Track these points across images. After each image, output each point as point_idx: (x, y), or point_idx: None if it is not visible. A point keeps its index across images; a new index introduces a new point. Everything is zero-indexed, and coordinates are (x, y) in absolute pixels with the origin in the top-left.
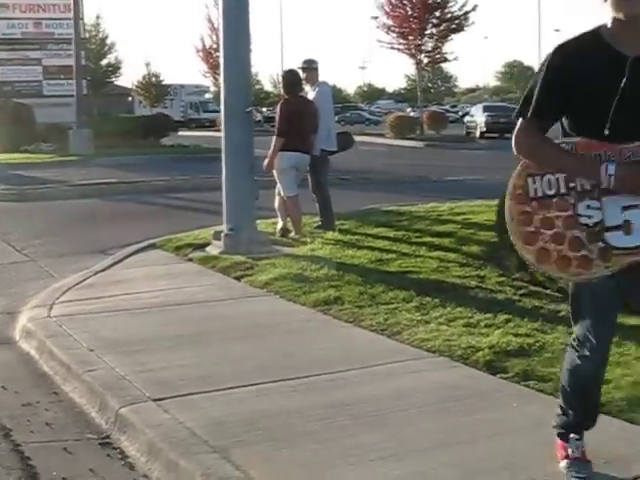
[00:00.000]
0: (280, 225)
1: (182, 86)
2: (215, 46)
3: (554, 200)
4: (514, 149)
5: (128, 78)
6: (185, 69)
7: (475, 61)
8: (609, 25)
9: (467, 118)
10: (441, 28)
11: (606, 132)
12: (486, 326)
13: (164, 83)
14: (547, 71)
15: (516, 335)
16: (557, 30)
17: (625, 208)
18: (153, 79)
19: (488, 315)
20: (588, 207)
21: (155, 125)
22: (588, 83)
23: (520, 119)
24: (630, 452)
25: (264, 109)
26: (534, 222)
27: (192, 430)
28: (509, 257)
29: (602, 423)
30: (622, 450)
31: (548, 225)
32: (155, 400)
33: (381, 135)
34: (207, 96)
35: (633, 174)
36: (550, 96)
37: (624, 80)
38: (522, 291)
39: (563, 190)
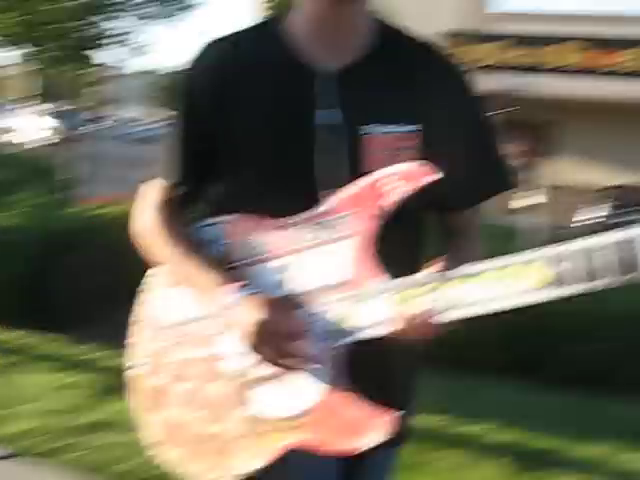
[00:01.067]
0: None
1: None
2: None
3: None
4: (131, 235)
5: None
6: None
7: None
8: (294, 19)
9: None
10: None
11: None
12: None
13: None
14: (184, 94)
15: None
16: None
17: None
18: None
19: None
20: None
21: None
22: (249, 116)
23: (145, 186)
24: None
25: None
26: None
27: None
28: None
29: None
30: None
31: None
32: None
33: None
34: None
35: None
36: (187, 146)
37: (323, 112)
38: None
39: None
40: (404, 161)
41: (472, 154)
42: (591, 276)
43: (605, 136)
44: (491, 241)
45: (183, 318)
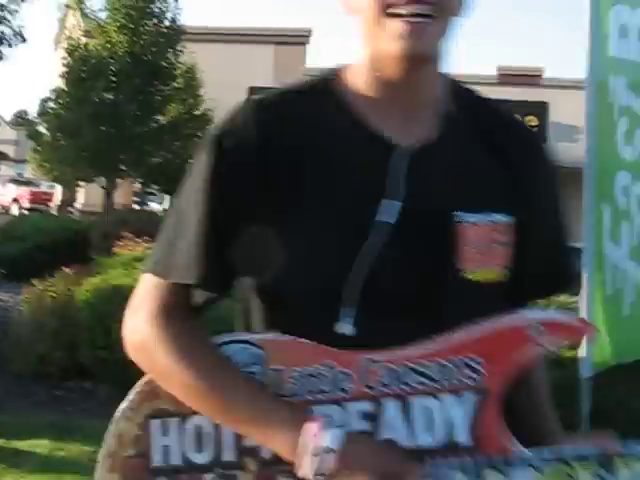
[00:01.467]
0: None
1: None
2: None
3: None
4: (128, 348)
5: None
6: None
7: None
8: (356, 79)
9: None
10: None
11: (340, 326)
12: None
13: None
14: (208, 177)
15: None
16: None
17: None
18: None
19: None
20: None
21: None
22: (311, 205)
23: (146, 281)
24: None
25: None
26: None
27: None
28: None
29: None
30: None
31: None
32: None
33: None
34: None
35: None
36: (214, 234)
37: (396, 203)
38: None
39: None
40: (500, 257)
41: (553, 245)
42: None
43: None
44: None
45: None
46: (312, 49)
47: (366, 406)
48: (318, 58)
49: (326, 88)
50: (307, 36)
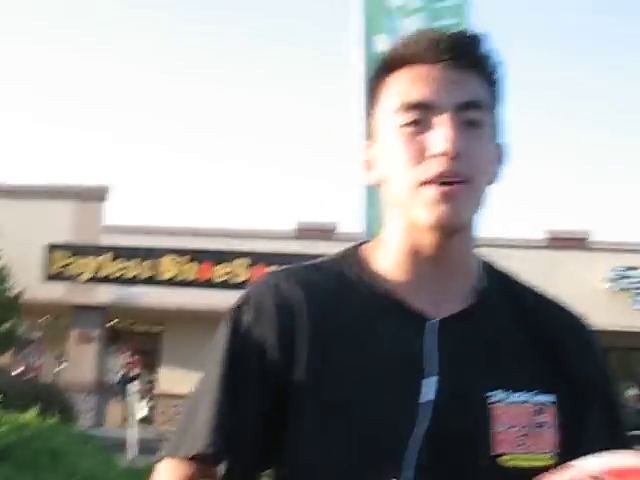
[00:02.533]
0: None
1: None
2: None
3: None
4: None
5: None
6: None
7: None
8: (384, 251)
9: None
10: None
11: None
12: None
13: None
14: (224, 355)
15: None
16: None
17: None
18: None
19: None
20: None
21: None
22: (338, 386)
23: (158, 470)
24: None
25: None
26: None
27: None
28: None
29: None
30: None
31: None
32: None
33: None
34: None
35: None
36: (228, 405)
37: (432, 379)
38: None
39: None
40: (546, 442)
41: (606, 425)
42: None
43: (202, 345)
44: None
45: None
46: (111, 206)
47: None
48: (117, 215)
49: (353, 261)
50: (106, 192)
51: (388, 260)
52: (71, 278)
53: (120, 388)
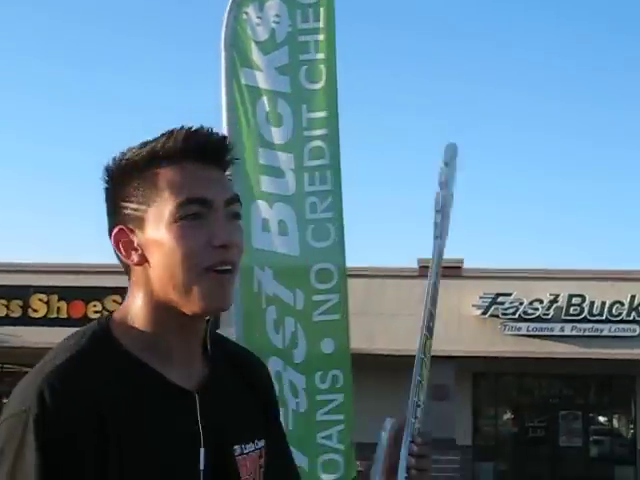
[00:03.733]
0: None
1: None
2: None
3: None
4: None
5: None
6: None
7: None
8: (133, 330)
9: None
10: None
11: None
12: None
13: None
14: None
15: None
16: None
17: None
18: None
19: None
20: None
21: None
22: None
23: None
24: None
25: None
26: None
27: None
28: None
29: None
30: None
31: None
32: None
33: None
34: None
35: None
36: None
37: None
38: None
39: None
40: None
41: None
42: None
43: None
44: None
45: None
46: None
47: None
48: None
49: (106, 343)
50: None
51: (140, 337)
52: None
53: None
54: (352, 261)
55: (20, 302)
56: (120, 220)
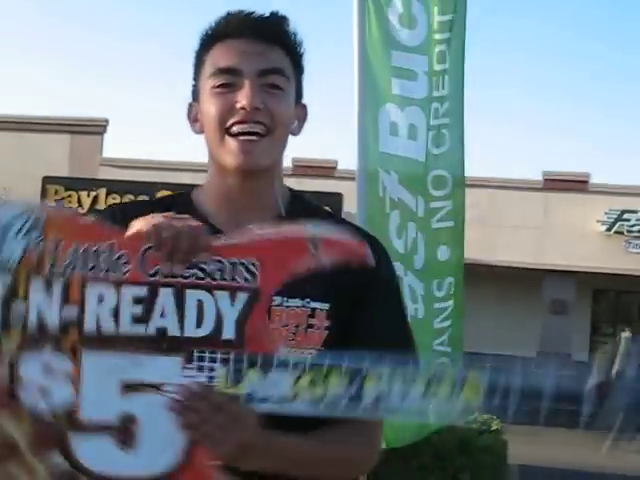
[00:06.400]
0: None
1: None
2: None
3: None
4: None
5: None
6: None
7: None
8: (206, 190)
9: None
10: None
11: None
12: None
13: None
14: None
15: None
16: None
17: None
18: None
19: None
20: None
21: None
22: None
23: None
24: None
25: None
26: None
27: None
28: None
29: None
30: None
31: None
32: None
33: None
34: None
35: None
36: None
37: None
38: None
39: None
40: (314, 340)
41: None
42: None
43: None
44: None
45: None
46: (109, 139)
47: (141, 291)
48: (115, 148)
49: (182, 198)
50: (104, 126)
51: (207, 197)
52: None
53: None
54: (475, 171)
55: (146, 198)
56: (191, 96)
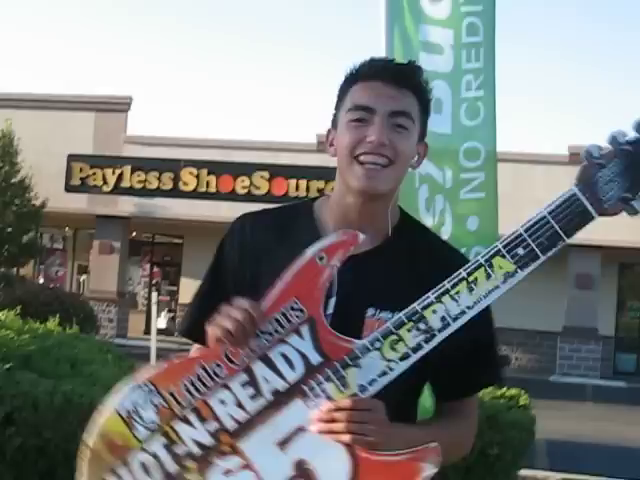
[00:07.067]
0: None
1: None
2: None
3: None
4: None
5: None
6: None
7: None
8: (330, 202)
9: None
10: None
11: None
12: None
13: None
14: (212, 262)
15: None
16: None
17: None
18: None
19: None
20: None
21: None
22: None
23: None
24: None
25: None
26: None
27: None
28: None
29: None
30: None
31: None
32: None
33: None
34: None
35: None
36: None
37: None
38: None
39: None
40: None
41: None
42: None
43: None
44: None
45: None
46: (133, 116)
47: (242, 377)
48: (140, 125)
49: (305, 205)
50: (128, 103)
51: (328, 209)
52: (92, 189)
53: (141, 299)
54: (501, 146)
55: (171, 174)
56: (331, 124)
